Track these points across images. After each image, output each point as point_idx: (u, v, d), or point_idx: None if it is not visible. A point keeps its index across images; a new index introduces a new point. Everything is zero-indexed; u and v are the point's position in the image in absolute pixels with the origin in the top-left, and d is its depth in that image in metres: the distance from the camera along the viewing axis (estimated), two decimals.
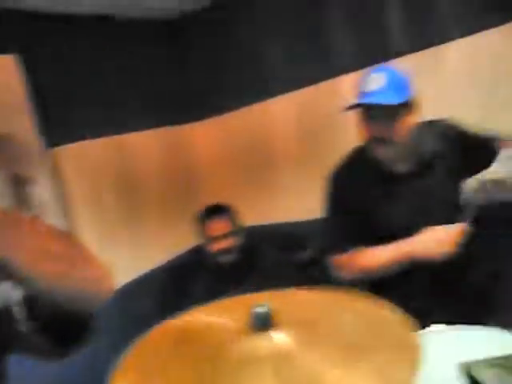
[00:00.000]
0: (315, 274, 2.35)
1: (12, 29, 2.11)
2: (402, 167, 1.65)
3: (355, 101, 1.58)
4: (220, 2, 2.80)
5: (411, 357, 0.68)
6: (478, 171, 1.52)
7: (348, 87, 1.86)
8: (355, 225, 1.64)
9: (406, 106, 1.59)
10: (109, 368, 0.75)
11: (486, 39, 2.17)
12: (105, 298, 0.83)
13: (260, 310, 0.75)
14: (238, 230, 2.40)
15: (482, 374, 0.93)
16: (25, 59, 2.14)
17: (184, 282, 2.44)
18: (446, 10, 2.24)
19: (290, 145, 2.78)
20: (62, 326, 0.82)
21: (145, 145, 2.74)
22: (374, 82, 1.56)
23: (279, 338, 0.74)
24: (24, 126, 2.12)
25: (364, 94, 1.56)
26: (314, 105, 2.61)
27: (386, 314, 0.80)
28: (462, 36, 2.21)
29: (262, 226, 2.79)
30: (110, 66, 2.57)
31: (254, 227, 2.65)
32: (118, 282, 2.14)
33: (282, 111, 2.75)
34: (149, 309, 2.37)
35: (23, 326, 0.82)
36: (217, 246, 2.34)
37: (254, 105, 2.81)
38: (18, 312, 0.83)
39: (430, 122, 1.72)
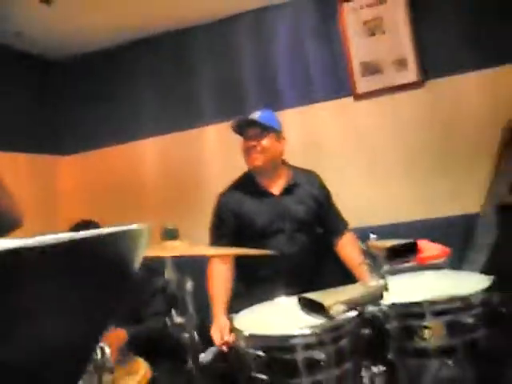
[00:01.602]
0: None
1: None
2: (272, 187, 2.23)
3: (236, 121, 2.18)
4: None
5: None
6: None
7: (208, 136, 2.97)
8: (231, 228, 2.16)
9: (275, 134, 2.18)
10: None
11: None
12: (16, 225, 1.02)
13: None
14: None
15: None
16: None
17: None
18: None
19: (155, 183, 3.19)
20: None
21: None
22: (252, 114, 2.20)
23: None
24: None
25: (241, 119, 2.20)
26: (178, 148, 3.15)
27: None
28: None
29: None
30: None
31: None
32: None
33: (149, 152, 3.20)
34: None
35: None
36: None
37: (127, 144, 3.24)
38: None
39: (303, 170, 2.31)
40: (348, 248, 2.23)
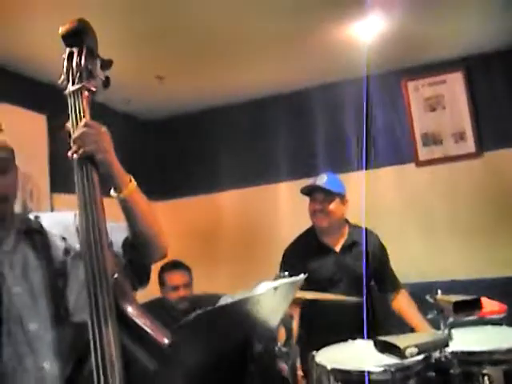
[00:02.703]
0: None
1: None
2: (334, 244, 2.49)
3: (305, 186, 2.49)
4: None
5: None
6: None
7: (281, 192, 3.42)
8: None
9: (340, 198, 2.44)
10: None
11: None
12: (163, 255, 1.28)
13: None
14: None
15: None
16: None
17: None
18: None
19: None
20: (139, 268, 1.23)
21: None
22: (321, 178, 2.48)
23: None
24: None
25: (311, 184, 2.48)
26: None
27: None
28: None
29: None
30: None
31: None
32: None
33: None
34: None
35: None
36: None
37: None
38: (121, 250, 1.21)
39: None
40: (405, 302, 2.47)
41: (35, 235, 1.18)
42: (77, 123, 1.12)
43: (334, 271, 2.44)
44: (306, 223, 2.58)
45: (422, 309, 2.22)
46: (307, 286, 2.32)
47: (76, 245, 1.16)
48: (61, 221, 1.23)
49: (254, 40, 2.69)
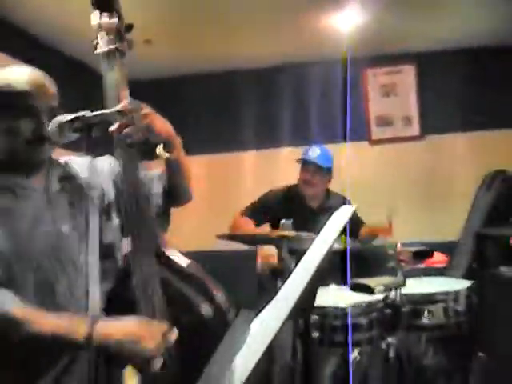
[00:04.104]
0: None
1: None
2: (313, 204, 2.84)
3: (301, 157, 2.83)
4: None
5: None
6: None
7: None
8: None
9: (328, 172, 2.81)
10: None
11: None
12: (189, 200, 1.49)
13: None
14: None
15: None
16: None
17: None
18: None
19: None
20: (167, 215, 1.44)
21: None
22: (314, 150, 2.83)
23: None
24: None
25: (306, 156, 2.82)
26: None
27: None
28: None
29: None
30: None
31: None
32: None
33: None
34: None
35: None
36: None
37: None
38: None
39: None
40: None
41: (72, 179, 1.33)
42: (110, 85, 1.22)
43: (309, 227, 2.82)
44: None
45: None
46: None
47: (110, 189, 1.35)
48: (94, 166, 1.35)
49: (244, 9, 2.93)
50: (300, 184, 2.88)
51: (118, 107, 1.14)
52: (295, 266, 1.31)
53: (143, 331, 1.11)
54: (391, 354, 2.31)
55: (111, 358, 1.11)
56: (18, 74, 1.24)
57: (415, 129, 3.64)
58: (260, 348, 0.96)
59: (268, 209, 2.84)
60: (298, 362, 1.97)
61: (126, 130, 1.16)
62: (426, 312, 2.30)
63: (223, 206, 3.63)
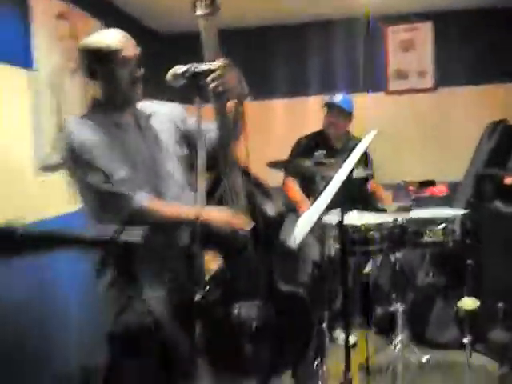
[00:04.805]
0: None
1: None
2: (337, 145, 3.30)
3: (327, 101, 3.30)
4: None
5: None
6: None
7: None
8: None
9: (349, 115, 3.27)
10: None
11: None
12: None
13: None
14: None
15: None
16: None
17: None
18: None
19: None
20: None
21: None
22: (338, 96, 3.31)
23: None
24: None
25: (331, 100, 3.29)
26: None
27: None
28: None
29: None
30: None
31: None
32: None
33: None
34: None
35: None
36: None
37: None
38: None
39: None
40: (375, 185, 3.49)
41: (152, 116, 1.80)
42: (206, 46, 1.58)
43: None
44: None
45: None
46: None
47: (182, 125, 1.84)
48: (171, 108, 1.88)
49: None
50: (325, 125, 3.37)
51: (219, 62, 1.56)
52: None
53: (232, 218, 1.67)
54: (397, 267, 2.89)
55: (211, 232, 1.67)
56: (112, 36, 1.69)
57: (429, 81, 4.06)
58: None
59: (301, 154, 3.31)
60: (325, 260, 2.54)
61: (220, 81, 1.55)
62: (427, 232, 2.84)
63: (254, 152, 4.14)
